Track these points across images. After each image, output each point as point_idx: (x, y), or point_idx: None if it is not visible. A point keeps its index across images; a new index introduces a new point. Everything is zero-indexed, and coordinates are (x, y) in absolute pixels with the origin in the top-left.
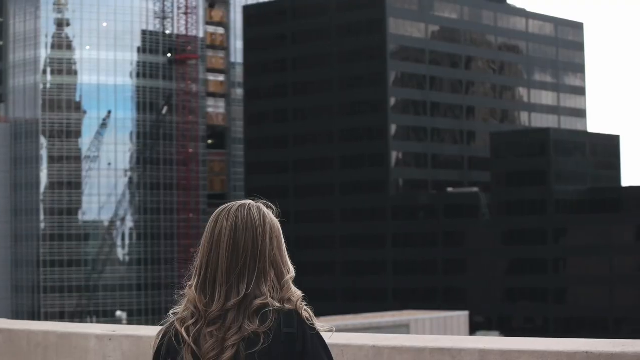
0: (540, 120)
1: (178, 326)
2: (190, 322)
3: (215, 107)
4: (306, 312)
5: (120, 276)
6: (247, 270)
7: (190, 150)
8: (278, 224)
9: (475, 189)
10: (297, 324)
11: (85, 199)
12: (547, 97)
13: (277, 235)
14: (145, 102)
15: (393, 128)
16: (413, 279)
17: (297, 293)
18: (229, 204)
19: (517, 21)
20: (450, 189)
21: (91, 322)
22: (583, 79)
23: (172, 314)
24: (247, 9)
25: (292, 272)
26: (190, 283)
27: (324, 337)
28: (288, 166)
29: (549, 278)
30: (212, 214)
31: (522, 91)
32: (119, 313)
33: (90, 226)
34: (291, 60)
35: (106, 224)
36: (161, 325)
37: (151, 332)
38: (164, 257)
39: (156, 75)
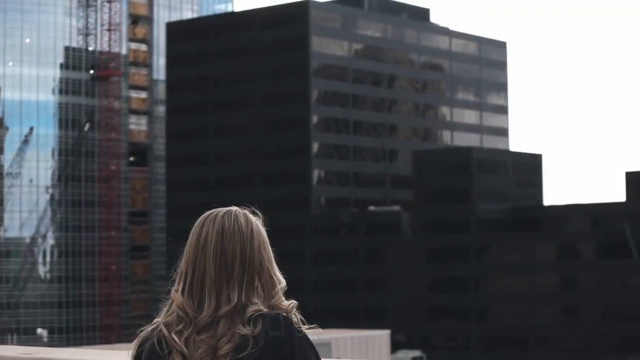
0: (463, 139)
1: (165, 331)
2: (179, 327)
3: (138, 124)
4: (295, 316)
5: (41, 293)
6: (237, 278)
7: (112, 168)
8: (264, 232)
9: (397, 207)
10: (284, 326)
11: (6, 215)
12: (469, 116)
13: (265, 244)
14: (68, 119)
15: (315, 146)
16: (334, 297)
17: (288, 303)
18: (214, 209)
19: (440, 40)
20: (371, 207)
21: (12, 339)
22: (505, 98)
23: (155, 320)
24: (170, 26)
25: (283, 283)
26: (175, 288)
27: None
28: (210, 184)
29: (470, 296)
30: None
31: (445, 110)
32: (39, 331)
33: (12, 243)
34: (213, 77)
35: (27, 240)
36: (139, 333)
37: (67, 354)
38: (85, 275)
39: (79, 92)
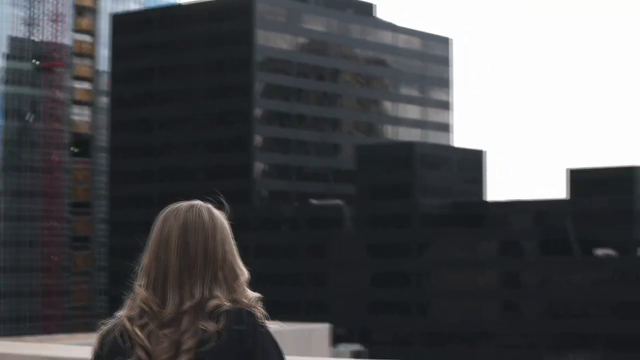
0: (406, 134)
1: (127, 324)
2: (142, 321)
3: (81, 115)
4: (259, 310)
5: None
6: (200, 272)
7: (55, 158)
8: (228, 226)
9: (339, 202)
10: (247, 321)
11: None
12: (413, 111)
13: (228, 237)
14: (12, 109)
15: (258, 139)
16: (275, 291)
17: (251, 295)
18: (177, 203)
19: (384, 35)
20: (314, 201)
21: None
22: (449, 94)
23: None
24: (115, 18)
25: (246, 275)
26: (138, 282)
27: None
28: (152, 175)
29: (412, 291)
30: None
31: (388, 105)
32: None
33: None
34: (158, 69)
35: None
36: (101, 326)
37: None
38: (27, 265)
39: (23, 82)
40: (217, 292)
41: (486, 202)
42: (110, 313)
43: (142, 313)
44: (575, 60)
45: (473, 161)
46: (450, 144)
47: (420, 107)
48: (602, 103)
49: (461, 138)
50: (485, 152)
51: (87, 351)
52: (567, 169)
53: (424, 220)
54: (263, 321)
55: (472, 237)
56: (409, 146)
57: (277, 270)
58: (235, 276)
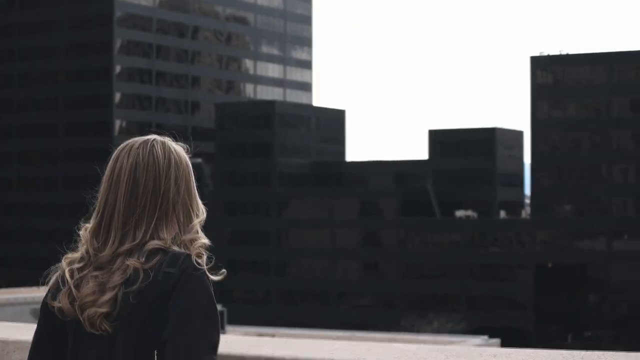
0: (266, 93)
1: (64, 266)
2: (78, 265)
3: None
4: (199, 256)
5: None
6: (146, 213)
7: None
8: (186, 162)
9: (199, 160)
10: (180, 264)
11: None
12: (273, 70)
13: (185, 174)
14: None
15: (117, 96)
16: None
17: (200, 239)
18: (132, 139)
19: None
20: None
21: None
22: (310, 53)
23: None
24: None
25: (202, 215)
26: (87, 225)
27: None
28: (12, 132)
29: (271, 250)
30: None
31: (249, 63)
32: None
33: None
34: (18, 25)
35: None
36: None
37: None
38: None
39: None
40: (164, 234)
41: (346, 162)
42: None
43: (81, 257)
44: (437, 22)
45: (333, 121)
46: (311, 103)
47: (281, 65)
48: (463, 65)
49: (321, 97)
50: (345, 111)
51: None
52: (428, 130)
53: (283, 180)
54: (201, 266)
55: (332, 196)
56: (269, 105)
57: None
58: (190, 218)
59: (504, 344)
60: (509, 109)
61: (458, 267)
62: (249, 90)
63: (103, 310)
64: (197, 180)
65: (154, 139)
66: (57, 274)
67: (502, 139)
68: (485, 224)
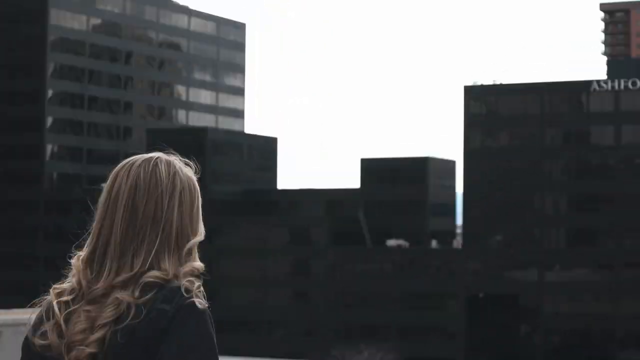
0: (198, 119)
1: (53, 297)
2: (68, 297)
3: None
4: (189, 284)
5: None
6: (146, 241)
7: None
8: (194, 184)
9: None
10: (176, 301)
11: None
12: (205, 96)
13: (190, 197)
14: None
15: (49, 120)
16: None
17: (193, 265)
18: (133, 157)
19: (179, 18)
20: (103, 185)
21: None
22: (242, 80)
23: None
24: None
25: (200, 237)
26: (80, 253)
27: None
28: None
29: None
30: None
31: (181, 89)
32: None
33: None
34: None
35: None
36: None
37: None
38: None
39: None
40: (166, 264)
41: (277, 190)
42: None
43: (72, 288)
44: (370, 51)
45: (265, 148)
46: (243, 130)
47: (213, 92)
48: (397, 94)
49: (253, 125)
50: (278, 139)
51: None
52: (360, 158)
53: (214, 207)
54: (191, 297)
55: (263, 224)
56: (201, 131)
57: (66, 253)
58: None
59: None
60: (442, 138)
61: (389, 296)
62: (182, 117)
63: (90, 350)
64: None
65: (158, 157)
66: (44, 305)
67: (435, 168)
68: (416, 253)
